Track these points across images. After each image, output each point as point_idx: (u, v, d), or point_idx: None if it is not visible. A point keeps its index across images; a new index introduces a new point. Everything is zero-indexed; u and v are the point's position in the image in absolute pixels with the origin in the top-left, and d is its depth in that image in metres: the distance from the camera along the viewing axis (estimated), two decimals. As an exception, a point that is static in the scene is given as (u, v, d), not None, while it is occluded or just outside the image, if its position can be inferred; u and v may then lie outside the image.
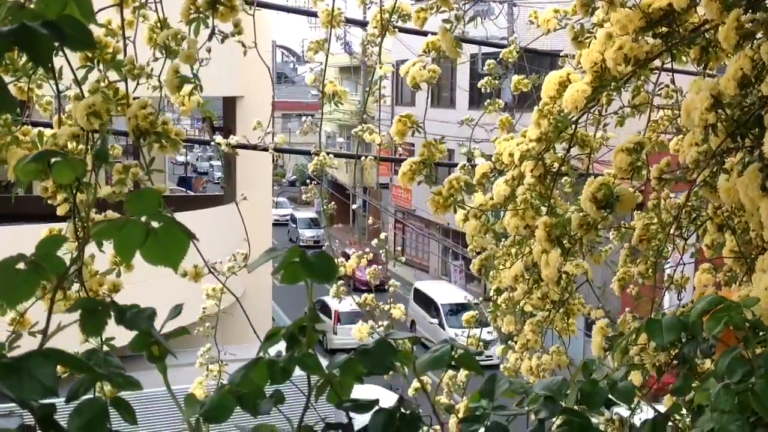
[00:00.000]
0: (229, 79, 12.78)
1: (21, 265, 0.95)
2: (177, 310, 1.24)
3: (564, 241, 2.12)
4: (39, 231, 1.94)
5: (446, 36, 2.31)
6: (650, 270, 2.43)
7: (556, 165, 2.81)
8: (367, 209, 31.05)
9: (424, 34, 2.92)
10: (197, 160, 49.67)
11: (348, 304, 3.62)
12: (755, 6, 2.21)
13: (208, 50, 1.87)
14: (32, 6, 0.96)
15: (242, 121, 13.51)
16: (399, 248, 31.51)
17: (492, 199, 2.92)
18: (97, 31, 1.79)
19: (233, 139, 3.41)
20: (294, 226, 35.21)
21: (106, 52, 1.73)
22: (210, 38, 1.84)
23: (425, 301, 22.59)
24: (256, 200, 14.98)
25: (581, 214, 2.08)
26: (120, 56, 1.77)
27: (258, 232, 12.83)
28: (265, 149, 3.88)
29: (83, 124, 1.60)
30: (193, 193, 30.29)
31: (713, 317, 1.19)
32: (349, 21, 4.52)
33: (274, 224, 26.86)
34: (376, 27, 3.21)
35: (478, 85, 3.95)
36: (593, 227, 2.06)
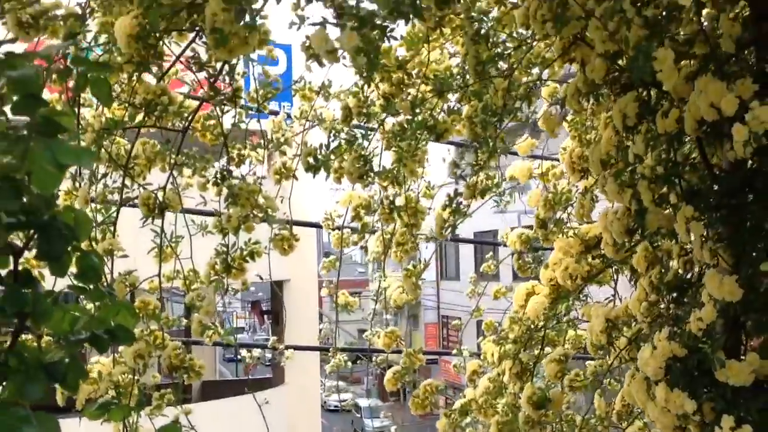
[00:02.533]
0: (276, 265, 13.50)
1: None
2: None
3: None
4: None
5: (408, 281, 2.91)
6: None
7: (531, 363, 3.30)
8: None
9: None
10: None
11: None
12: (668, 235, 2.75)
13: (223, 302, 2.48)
14: (97, 314, 1.54)
15: (290, 303, 14.04)
16: (451, 425, 30.87)
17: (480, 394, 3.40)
18: (142, 294, 2.42)
19: (256, 352, 3.97)
20: (359, 415, 34.12)
21: (148, 309, 2.34)
22: (225, 293, 2.47)
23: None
24: (304, 385, 15.15)
25: (526, 413, 2.55)
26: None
27: (307, 419, 13.01)
28: (285, 348, 4.43)
29: (131, 364, 2.18)
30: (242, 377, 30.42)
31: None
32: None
33: (333, 410, 26.55)
34: (378, 246, 3.82)
35: (481, 270, 4.62)
36: (537, 423, 2.52)
